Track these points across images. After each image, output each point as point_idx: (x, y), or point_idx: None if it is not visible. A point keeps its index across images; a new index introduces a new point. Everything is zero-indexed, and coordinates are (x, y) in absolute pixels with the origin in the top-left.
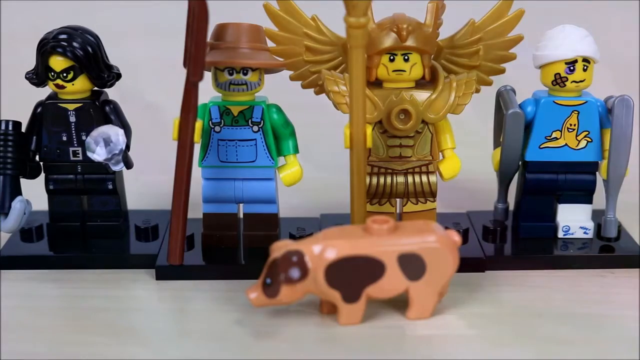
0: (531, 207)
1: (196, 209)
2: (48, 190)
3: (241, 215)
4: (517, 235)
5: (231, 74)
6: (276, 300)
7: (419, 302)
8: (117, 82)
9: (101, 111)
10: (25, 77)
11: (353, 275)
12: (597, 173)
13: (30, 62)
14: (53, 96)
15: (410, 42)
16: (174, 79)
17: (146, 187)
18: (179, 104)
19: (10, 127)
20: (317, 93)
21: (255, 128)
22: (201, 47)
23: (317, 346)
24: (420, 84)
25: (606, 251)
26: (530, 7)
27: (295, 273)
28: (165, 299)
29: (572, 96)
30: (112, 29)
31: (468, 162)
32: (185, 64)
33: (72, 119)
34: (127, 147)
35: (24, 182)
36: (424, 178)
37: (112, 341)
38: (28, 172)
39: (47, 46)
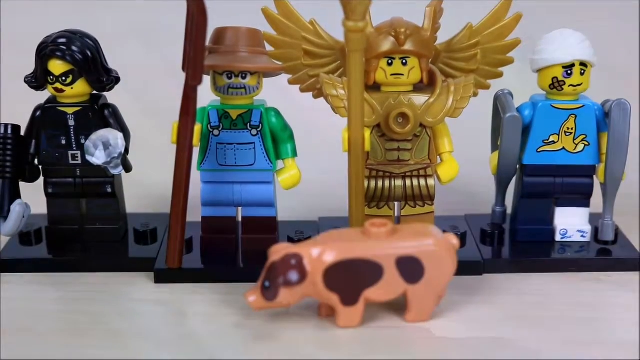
0: (529, 211)
1: (195, 212)
2: (47, 194)
3: (240, 219)
4: (515, 238)
5: (230, 78)
6: (275, 303)
7: (418, 305)
8: (115, 86)
9: (100, 115)
10: (24, 81)
11: (351, 278)
12: (594, 176)
13: (29, 66)
14: (52, 100)
15: (408, 46)
16: (172, 82)
17: (145, 190)
18: (177, 107)
19: (9, 131)
20: (315, 97)
21: (254, 132)
22: (200, 51)
23: (316, 349)
24: (418, 87)
25: (603, 254)
26: (527, 10)
27: (294, 276)
28: (163, 302)
29: (569, 100)
30: (111, 32)
31: (466, 165)
32: (184, 68)
33: (71, 122)
34: (126, 150)
35: (23, 186)
36: (422, 181)
37: (110, 344)
38: (27, 176)
39: (46, 50)
